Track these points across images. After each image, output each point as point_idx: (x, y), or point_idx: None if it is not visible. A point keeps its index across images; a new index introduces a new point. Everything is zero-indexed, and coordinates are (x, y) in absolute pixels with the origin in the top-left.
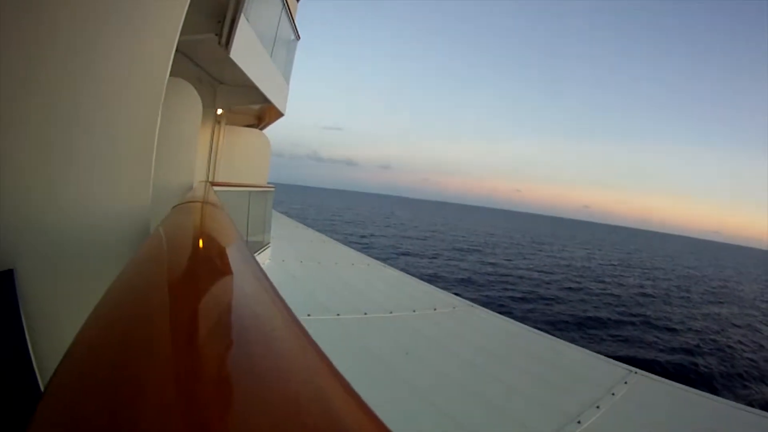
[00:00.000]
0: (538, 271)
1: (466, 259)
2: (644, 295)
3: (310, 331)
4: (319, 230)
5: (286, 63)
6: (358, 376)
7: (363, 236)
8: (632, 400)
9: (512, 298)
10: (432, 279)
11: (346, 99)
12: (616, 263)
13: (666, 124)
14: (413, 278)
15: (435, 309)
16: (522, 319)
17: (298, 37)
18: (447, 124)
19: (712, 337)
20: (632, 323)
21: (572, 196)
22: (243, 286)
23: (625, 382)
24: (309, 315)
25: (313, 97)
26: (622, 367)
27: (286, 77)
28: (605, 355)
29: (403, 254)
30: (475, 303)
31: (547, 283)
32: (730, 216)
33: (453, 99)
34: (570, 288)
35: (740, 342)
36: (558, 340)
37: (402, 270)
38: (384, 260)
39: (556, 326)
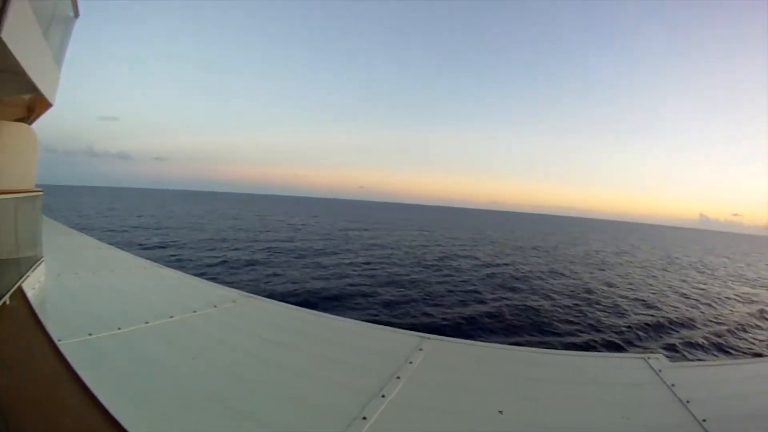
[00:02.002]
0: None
1: (218, 248)
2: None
3: (93, 353)
4: (91, 235)
5: (61, 45)
6: (147, 393)
7: (124, 230)
8: (428, 363)
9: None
10: (209, 273)
11: (127, 85)
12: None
13: (441, 115)
14: (191, 276)
15: (215, 306)
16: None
17: (77, 15)
18: (234, 113)
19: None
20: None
21: (350, 178)
22: None
23: (420, 349)
24: (90, 334)
25: (89, 84)
26: (416, 336)
27: (59, 62)
28: (400, 327)
29: (160, 247)
30: (252, 293)
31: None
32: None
33: (239, 87)
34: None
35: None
36: (349, 320)
37: (172, 267)
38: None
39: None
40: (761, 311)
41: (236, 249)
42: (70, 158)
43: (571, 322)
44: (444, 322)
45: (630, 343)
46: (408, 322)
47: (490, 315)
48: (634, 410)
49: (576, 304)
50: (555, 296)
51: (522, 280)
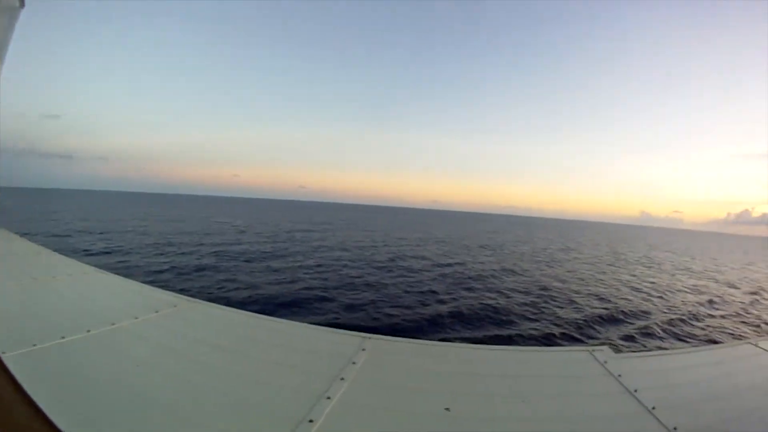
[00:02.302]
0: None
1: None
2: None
3: (38, 365)
4: (33, 240)
5: (4, 38)
6: (92, 404)
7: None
8: (372, 363)
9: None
10: (159, 280)
11: (71, 81)
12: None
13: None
14: (132, 281)
15: (156, 312)
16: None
17: (22, 5)
18: (176, 112)
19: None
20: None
21: (290, 178)
22: None
23: (363, 349)
24: (35, 345)
25: (32, 79)
26: (358, 336)
27: (1, 55)
28: (343, 328)
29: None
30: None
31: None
32: None
33: (182, 86)
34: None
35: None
36: (291, 322)
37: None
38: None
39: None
40: (710, 301)
41: (184, 254)
42: (10, 158)
43: (527, 318)
44: (405, 323)
45: (585, 336)
46: (371, 325)
47: (447, 314)
48: (582, 401)
49: (532, 301)
50: (509, 293)
51: (475, 279)
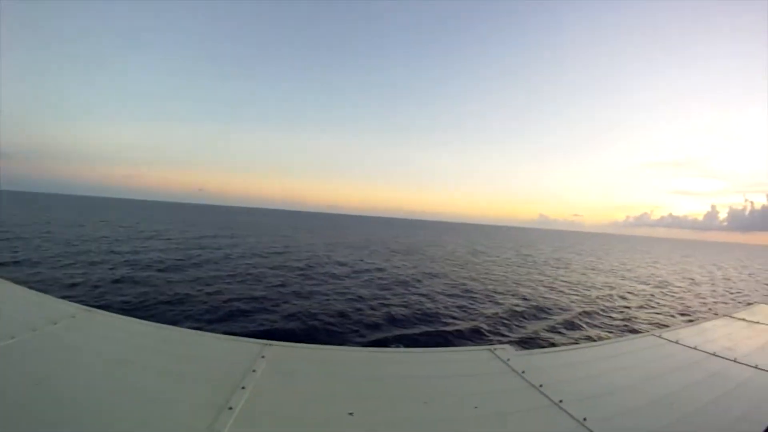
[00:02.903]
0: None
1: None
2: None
3: None
4: None
5: None
6: None
7: None
8: (272, 370)
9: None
10: (76, 295)
11: None
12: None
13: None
14: (29, 290)
15: (55, 323)
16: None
17: None
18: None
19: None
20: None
21: (188, 181)
22: None
23: (263, 356)
24: None
25: None
26: (257, 343)
27: None
28: (240, 335)
29: None
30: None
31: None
32: None
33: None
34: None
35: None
36: (191, 330)
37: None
38: None
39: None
40: (622, 296)
41: (95, 263)
42: None
43: (441, 320)
44: (310, 329)
45: (500, 334)
46: (272, 328)
47: (358, 318)
48: (487, 399)
49: (452, 302)
50: (430, 295)
51: (393, 282)
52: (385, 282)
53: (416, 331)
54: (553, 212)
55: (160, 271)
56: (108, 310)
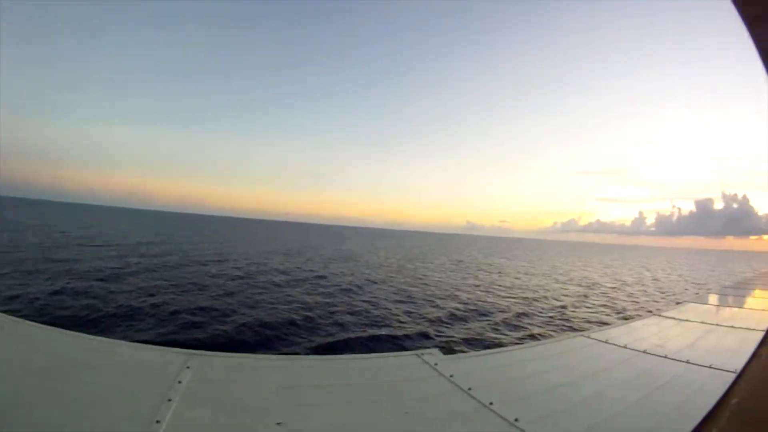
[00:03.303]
0: None
1: None
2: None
3: None
4: None
5: None
6: None
7: None
8: (198, 381)
9: None
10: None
11: None
12: None
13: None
14: None
15: None
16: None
17: None
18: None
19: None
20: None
21: (117, 183)
22: None
23: (188, 367)
24: None
25: None
26: (182, 353)
27: None
28: (164, 344)
29: None
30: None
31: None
32: None
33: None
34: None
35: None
36: (112, 340)
37: None
38: None
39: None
40: (556, 298)
41: (31, 273)
42: None
43: (398, 323)
44: (241, 338)
45: (445, 336)
46: (198, 336)
47: (286, 326)
48: (416, 404)
49: (396, 307)
50: (373, 301)
51: (337, 289)
52: (327, 290)
53: (361, 335)
54: (481, 219)
55: (101, 280)
56: (56, 327)
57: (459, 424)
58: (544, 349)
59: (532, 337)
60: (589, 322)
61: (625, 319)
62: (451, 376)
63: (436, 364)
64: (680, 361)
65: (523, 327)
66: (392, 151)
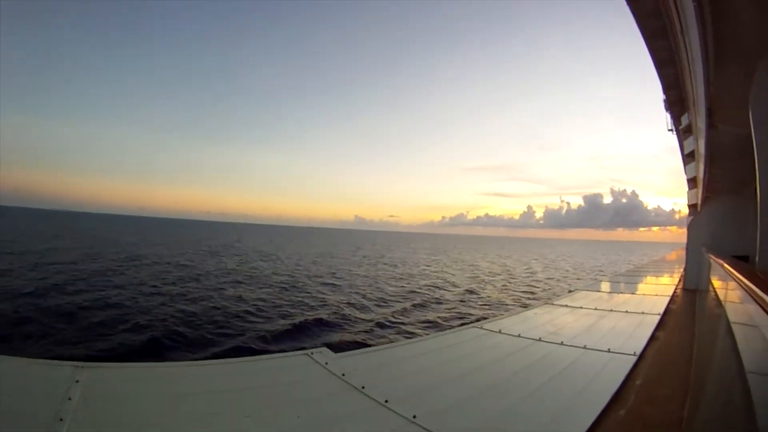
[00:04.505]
0: None
1: None
2: None
3: None
4: None
5: None
6: None
7: None
8: (90, 395)
9: None
10: None
11: None
12: None
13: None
14: None
15: None
16: None
17: None
18: None
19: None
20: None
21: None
22: None
23: (77, 381)
24: None
25: None
26: (69, 366)
27: None
28: (50, 357)
29: None
30: None
31: None
32: None
33: None
34: None
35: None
36: (2, 356)
37: None
38: None
39: None
40: (461, 285)
41: None
42: None
43: (268, 320)
44: (137, 345)
45: (340, 328)
46: (95, 346)
47: (172, 332)
48: (309, 406)
49: (284, 300)
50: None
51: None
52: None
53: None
54: (369, 213)
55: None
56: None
57: (353, 425)
58: (438, 342)
59: (430, 323)
60: (491, 309)
61: (523, 306)
62: (342, 375)
63: (326, 363)
64: (577, 347)
65: (417, 318)
66: (275, 144)
